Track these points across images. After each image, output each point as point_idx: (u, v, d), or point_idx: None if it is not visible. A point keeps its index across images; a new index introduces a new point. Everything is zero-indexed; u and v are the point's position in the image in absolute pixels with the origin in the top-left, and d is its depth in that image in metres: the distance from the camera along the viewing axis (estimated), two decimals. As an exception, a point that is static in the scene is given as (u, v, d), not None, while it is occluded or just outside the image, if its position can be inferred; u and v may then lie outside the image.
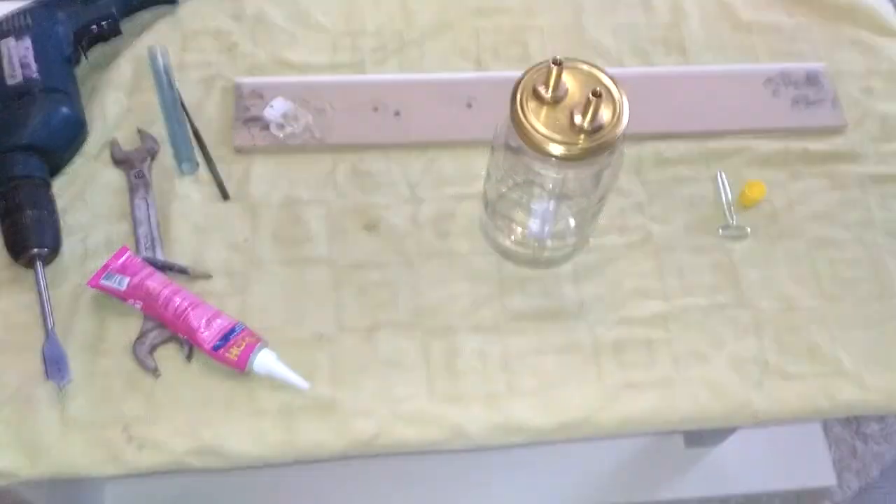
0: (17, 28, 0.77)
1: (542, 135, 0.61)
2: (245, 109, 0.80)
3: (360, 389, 0.69)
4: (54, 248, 0.71)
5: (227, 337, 0.67)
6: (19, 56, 0.76)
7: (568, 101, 0.62)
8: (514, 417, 0.68)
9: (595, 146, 0.61)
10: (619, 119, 0.61)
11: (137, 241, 0.73)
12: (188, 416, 0.66)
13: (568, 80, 0.63)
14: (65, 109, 0.75)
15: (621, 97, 0.62)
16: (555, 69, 0.61)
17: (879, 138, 0.85)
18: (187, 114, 0.80)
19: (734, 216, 0.79)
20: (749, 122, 0.84)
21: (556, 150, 0.60)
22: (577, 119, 0.61)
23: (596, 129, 0.61)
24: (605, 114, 0.61)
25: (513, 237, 0.73)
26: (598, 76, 0.63)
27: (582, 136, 0.61)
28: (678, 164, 0.82)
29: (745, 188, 0.79)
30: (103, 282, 0.69)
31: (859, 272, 0.77)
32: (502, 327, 0.72)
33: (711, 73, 0.87)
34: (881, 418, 1.36)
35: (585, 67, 0.64)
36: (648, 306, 0.74)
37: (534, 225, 0.71)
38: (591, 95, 0.59)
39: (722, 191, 0.80)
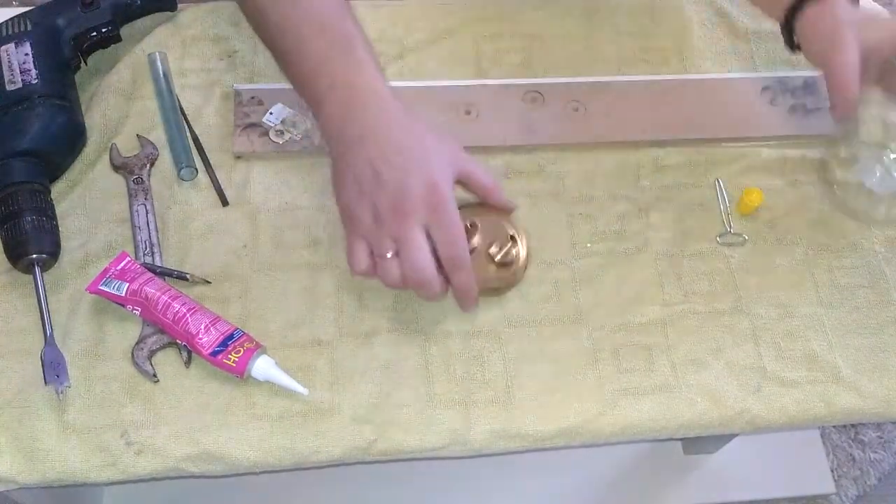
0: (16, 34, 0.78)
1: None
2: (244, 116, 0.80)
3: (358, 395, 0.69)
4: (53, 254, 0.71)
5: (225, 342, 0.67)
6: (19, 62, 0.76)
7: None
8: (513, 424, 0.68)
9: None
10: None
11: (136, 247, 0.73)
12: (187, 422, 0.66)
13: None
14: (64, 115, 0.75)
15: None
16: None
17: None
18: (187, 120, 0.81)
19: (732, 223, 0.79)
20: (747, 130, 0.84)
21: None
22: None
23: None
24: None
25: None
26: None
27: None
28: (676, 171, 0.82)
29: (742, 195, 0.79)
30: (102, 287, 0.69)
31: (856, 279, 0.77)
32: (501, 333, 0.72)
33: (709, 81, 0.87)
34: (879, 425, 1.36)
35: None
36: (647, 313, 0.74)
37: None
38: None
39: (720, 198, 0.80)
